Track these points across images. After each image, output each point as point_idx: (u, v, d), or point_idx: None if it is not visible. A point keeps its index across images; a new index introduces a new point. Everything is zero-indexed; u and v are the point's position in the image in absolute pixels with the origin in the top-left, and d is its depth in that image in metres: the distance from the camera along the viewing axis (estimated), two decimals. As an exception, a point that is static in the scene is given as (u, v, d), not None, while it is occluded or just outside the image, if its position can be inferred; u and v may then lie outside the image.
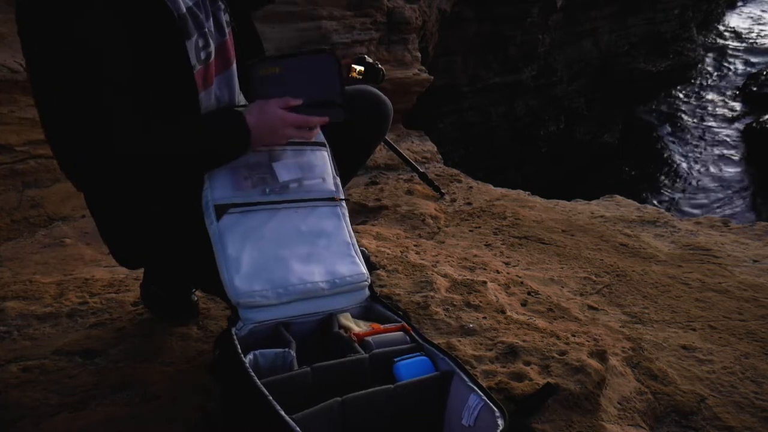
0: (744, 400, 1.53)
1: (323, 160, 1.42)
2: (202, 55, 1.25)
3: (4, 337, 1.62)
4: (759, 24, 12.58)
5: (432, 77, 4.33)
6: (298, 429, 0.92)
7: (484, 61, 7.01)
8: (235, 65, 1.37)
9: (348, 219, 1.39)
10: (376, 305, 1.33)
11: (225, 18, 1.32)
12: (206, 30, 1.25)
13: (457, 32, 6.36)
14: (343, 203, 1.40)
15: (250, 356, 1.09)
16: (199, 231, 1.25)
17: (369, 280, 1.34)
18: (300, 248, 1.29)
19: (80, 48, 1.09)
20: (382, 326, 1.24)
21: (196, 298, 1.73)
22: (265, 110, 1.26)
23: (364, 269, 1.33)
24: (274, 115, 1.26)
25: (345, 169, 1.52)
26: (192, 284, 1.68)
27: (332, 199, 1.38)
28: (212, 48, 1.27)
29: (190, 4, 1.22)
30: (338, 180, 1.42)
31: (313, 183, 1.36)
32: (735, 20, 12.79)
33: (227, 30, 1.33)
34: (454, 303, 1.78)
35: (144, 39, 1.15)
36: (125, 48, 1.13)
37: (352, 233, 1.38)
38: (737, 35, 12.28)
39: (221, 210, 1.25)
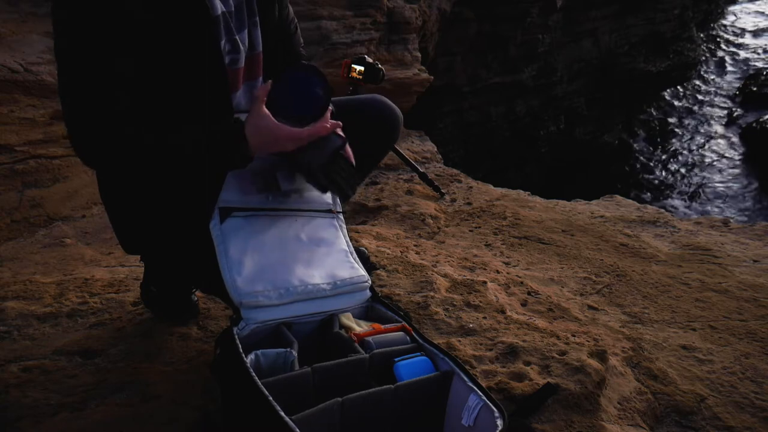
0: (744, 400, 1.53)
1: None
2: (227, 60, 1.28)
3: (4, 337, 1.62)
4: (759, 24, 12.58)
5: (432, 77, 4.33)
6: (297, 429, 0.92)
7: (484, 61, 7.01)
8: (261, 78, 1.41)
9: (345, 230, 1.41)
10: (377, 305, 1.33)
11: (258, 34, 1.36)
12: (236, 38, 1.29)
13: (457, 32, 6.36)
14: (341, 215, 1.41)
15: (252, 356, 1.09)
16: (202, 231, 1.25)
17: (370, 282, 1.34)
18: (300, 254, 1.30)
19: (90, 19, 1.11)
20: (382, 326, 1.25)
21: (196, 298, 1.73)
22: (259, 126, 1.22)
23: (364, 272, 1.35)
24: (270, 132, 1.23)
25: None
26: (192, 284, 1.68)
27: (329, 211, 1.39)
28: (240, 56, 1.31)
29: (224, 10, 1.26)
30: None
31: (312, 194, 1.38)
32: (735, 20, 12.79)
33: (260, 45, 1.37)
34: (454, 303, 1.78)
35: (179, 34, 1.18)
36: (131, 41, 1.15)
37: (350, 243, 1.40)
38: (737, 35, 12.29)
39: (225, 212, 1.26)
